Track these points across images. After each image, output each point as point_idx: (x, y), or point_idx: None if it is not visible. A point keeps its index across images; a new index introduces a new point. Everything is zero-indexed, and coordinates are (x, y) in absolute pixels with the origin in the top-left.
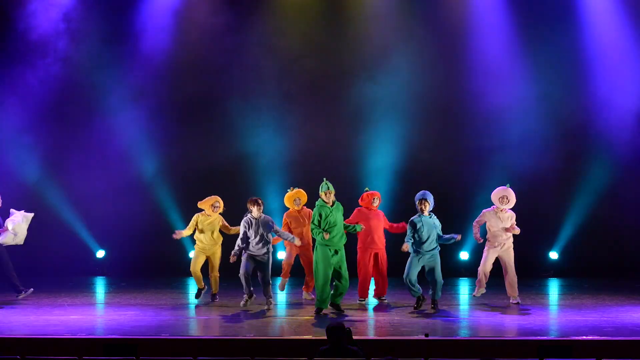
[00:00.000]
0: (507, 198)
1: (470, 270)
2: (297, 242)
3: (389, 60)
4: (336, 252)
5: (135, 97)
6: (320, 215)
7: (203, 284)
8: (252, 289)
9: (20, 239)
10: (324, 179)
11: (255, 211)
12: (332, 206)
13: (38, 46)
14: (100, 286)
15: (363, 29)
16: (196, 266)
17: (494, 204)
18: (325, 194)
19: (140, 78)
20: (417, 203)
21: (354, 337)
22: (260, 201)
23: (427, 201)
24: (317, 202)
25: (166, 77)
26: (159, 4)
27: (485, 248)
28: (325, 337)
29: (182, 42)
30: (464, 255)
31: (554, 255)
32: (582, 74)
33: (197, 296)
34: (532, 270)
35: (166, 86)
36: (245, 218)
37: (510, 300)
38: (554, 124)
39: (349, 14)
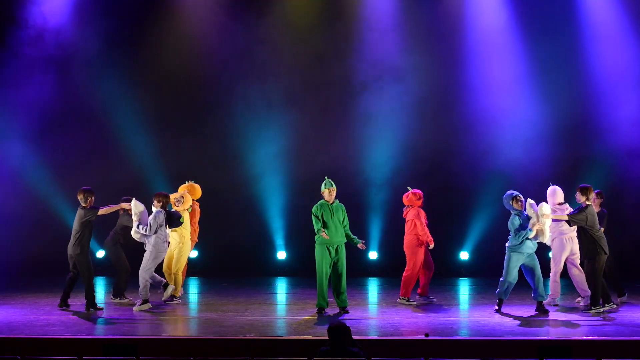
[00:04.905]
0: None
1: (470, 270)
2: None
3: (392, 65)
4: (336, 250)
5: (135, 99)
6: (318, 215)
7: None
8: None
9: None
10: (326, 177)
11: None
12: (332, 204)
13: (36, 47)
14: (100, 286)
15: (366, 33)
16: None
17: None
18: (329, 192)
19: (140, 81)
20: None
21: (354, 337)
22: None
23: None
24: (319, 202)
25: (166, 80)
26: (158, 10)
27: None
28: (325, 337)
29: (180, 46)
30: (464, 255)
31: None
32: (583, 76)
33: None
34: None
35: (166, 89)
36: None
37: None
38: (555, 125)
39: (352, 19)
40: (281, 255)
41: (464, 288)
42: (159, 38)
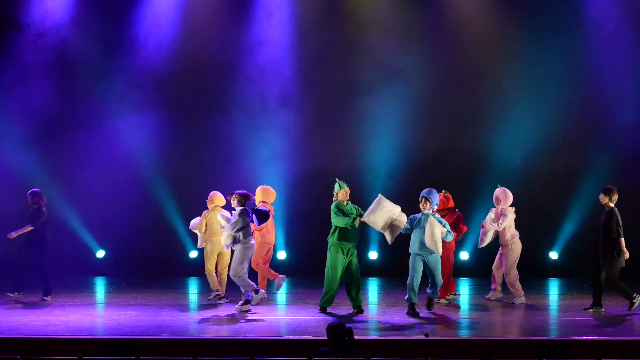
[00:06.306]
0: (497, 199)
1: (470, 270)
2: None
3: (393, 67)
4: (348, 251)
5: (134, 100)
6: (338, 208)
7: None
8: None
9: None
10: (337, 179)
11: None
12: (346, 204)
13: (35, 50)
14: (100, 286)
15: (367, 35)
16: (213, 267)
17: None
18: (345, 192)
19: (140, 82)
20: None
21: (355, 337)
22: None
23: (428, 199)
24: (334, 203)
25: (166, 81)
26: (155, 13)
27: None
28: (325, 337)
29: (180, 48)
30: (464, 256)
31: (554, 255)
32: (584, 77)
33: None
34: (532, 270)
35: (164, 91)
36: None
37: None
38: (555, 125)
39: (353, 20)
40: (281, 255)
41: (464, 289)
42: (158, 40)
